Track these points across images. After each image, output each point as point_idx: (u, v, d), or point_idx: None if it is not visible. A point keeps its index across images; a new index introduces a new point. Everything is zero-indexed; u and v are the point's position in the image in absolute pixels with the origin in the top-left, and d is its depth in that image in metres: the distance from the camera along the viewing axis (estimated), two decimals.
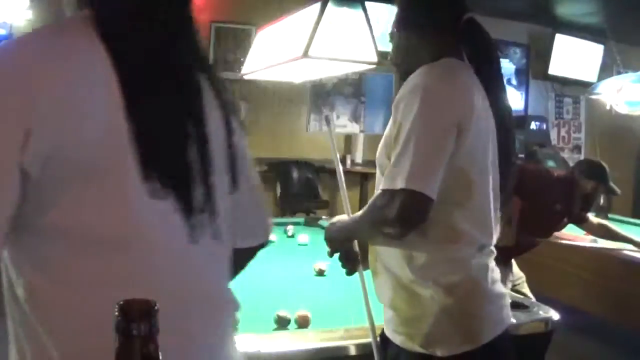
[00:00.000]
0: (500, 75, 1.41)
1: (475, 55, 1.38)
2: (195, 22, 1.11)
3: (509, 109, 1.41)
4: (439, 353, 1.25)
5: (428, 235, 1.26)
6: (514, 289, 2.93)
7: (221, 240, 0.86)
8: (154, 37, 0.84)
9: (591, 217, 3.17)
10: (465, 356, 1.25)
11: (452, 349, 1.25)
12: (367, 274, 1.48)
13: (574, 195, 2.98)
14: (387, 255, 1.35)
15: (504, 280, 2.83)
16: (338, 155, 1.64)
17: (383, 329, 1.41)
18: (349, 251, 1.47)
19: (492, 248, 1.35)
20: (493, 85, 1.36)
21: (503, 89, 1.41)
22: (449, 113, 1.22)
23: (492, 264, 1.34)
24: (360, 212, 1.34)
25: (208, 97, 0.88)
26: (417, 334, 1.28)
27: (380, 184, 1.29)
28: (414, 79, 1.29)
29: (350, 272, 1.51)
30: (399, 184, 1.18)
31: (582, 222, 3.15)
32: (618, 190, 3.03)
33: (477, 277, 1.28)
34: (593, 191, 2.95)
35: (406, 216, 1.19)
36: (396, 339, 1.34)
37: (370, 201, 1.29)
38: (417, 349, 1.28)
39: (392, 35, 1.45)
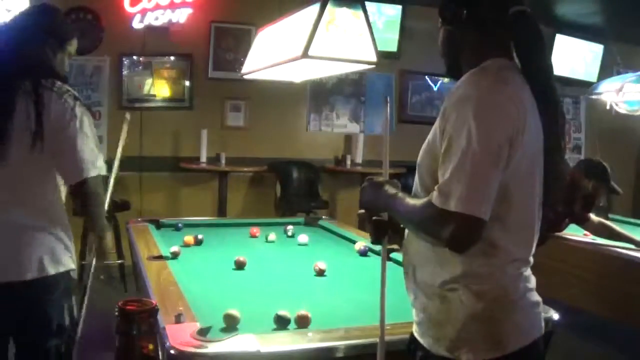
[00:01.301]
0: (550, 73, 1.32)
1: (524, 53, 1.32)
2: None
3: (561, 112, 1.34)
4: (463, 358, 1.24)
5: None
6: None
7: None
8: None
9: (592, 216, 3.17)
10: None
11: (477, 355, 1.24)
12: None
13: (575, 195, 2.97)
14: (419, 262, 1.34)
15: None
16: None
17: (412, 331, 1.40)
18: (380, 220, 1.42)
19: (530, 258, 1.33)
20: (543, 91, 1.29)
21: (554, 89, 1.32)
22: (504, 127, 1.17)
23: (527, 272, 1.32)
24: (407, 202, 1.28)
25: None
26: (443, 337, 1.28)
27: (419, 189, 1.31)
28: (463, 87, 1.24)
29: (375, 241, 1.47)
30: (453, 206, 1.14)
31: (583, 222, 3.15)
32: (620, 190, 3.03)
33: (507, 285, 1.26)
34: (594, 191, 2.95)
35: (460, 240, 1.17)
36: (424, 341, 1.33)
37: (419, 205, 1.23)
38: (443, 352, 1.27)
39: (439, 28, 1.41)
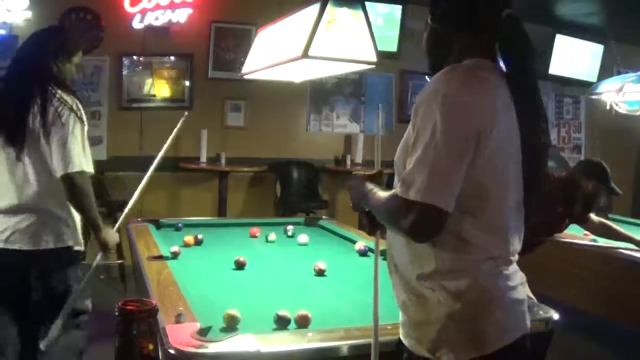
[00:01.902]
0: (533, 74, 1.33)
1: (509, 56, 1.33)
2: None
3: (543, 114, 1.34)
4: (444, 359, 1.24)
5: (437, 243, 1.24)
6: None
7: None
8: None
9: (592, 216, 3.17)
10: None
11: (457, 355, 1.23)
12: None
13: (575, 196, 2.97)
14: (398, 258, 1.35)
15: None
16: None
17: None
18: (370, 213, 1.45)
19: (511, 257, 1.32)
20: (524, 86, 1.30)
21: (536, 90, 1.32)
22: (470, 122, 1.19)
23: (510, 270, 1.30)
24: (379, 195, 1.31)
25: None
26: (424, 338, 1.28)
27: (396, 186, 1.29)
28: (433, 82, 1.26)
29: (369, 233, 1.51)
30: (413, 195, 1.16)
31: (584, 223, 3.15)
32: (619, 191, 3.03)
33: (486, 283, 1.25)
34: (594, 192, 2.95)
35: (419, 230, 1.19)
36: (407, 342, 1.34)
37: (386, 197, 1.27)
38: (425, 353, 1.27)
39: (426, 24, 1.41)
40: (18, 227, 2.14)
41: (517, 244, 1.33)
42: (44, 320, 2.12)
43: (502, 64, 1.34)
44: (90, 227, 2.26)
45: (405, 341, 1.35)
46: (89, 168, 2.20)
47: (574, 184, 2.97)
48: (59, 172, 2.11)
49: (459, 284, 1.23)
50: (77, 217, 2.25)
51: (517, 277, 1.33)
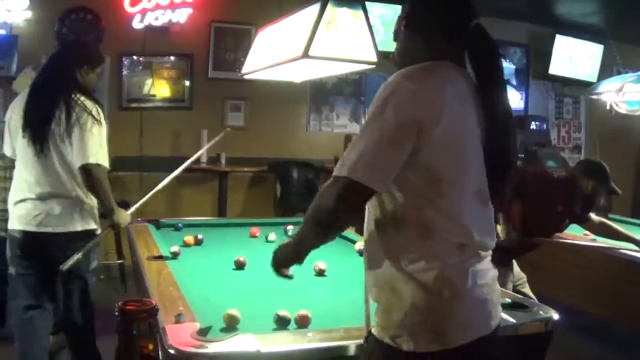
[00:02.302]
0: (500, 77, 1.39)
1: (476, 62, 1.38)
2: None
3: (507, 111, 1.39)
4: (404, 347, 1.25)
5: (401, 230, 1.28)
6: (515, 289, 2.92)
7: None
8: None
9: (592, 216, 3.17)
10: (428, 356, 1.24)
11: (417, 345, 1.24)
12: None
13: (575, 196, 2.98)
14: (372, 251, 1.36)
15: (503, 282, 2.83)
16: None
17: None
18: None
19: (481, 251, 1.32)
20: (490, 86, 1.35)
21: (501, 90, 1.38)
22: (409, 110, 1.23)
23: (480, 266, 1.31)
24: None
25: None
26: (388, 325, 1.29)
27: None
28: (389, 78, 1.31)
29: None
30: (344, 172, 1.23)
31: (584, 223, 3.15)
32: (619, 191, 3.03)
33: (452, 277, 1.26)
34: (593, 191, 2.95)
35: (343, 203, 1.24)
36: (374, 330, 1.35)
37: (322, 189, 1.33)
38: (387, 340, 1.29)
39: (396, 33, 1.45)
40: (50, 212, 2.49)
41: (485, 237, 1.33)
42: (69, 288, 2.56)
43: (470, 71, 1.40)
44: (105, 211, 2.58)
45: (373, 329, 1.36)
46: (105, 162, 2.50)
47: (573, 183, 2.98)
48: (77, 164, 2.44)
49: (427, 275, 1.25)
50: (94, 201, 2.60)
51: (487, 275, 1.33)
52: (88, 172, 2.44)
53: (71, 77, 2.57)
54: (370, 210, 1.36)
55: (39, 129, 2.48)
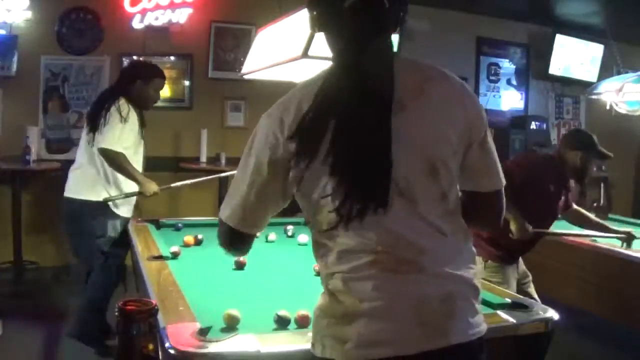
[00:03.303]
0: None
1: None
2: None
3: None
4: (316, 352, 1.25)
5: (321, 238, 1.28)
6: (520, 288, 2.91)
7: None
8: None
9: (574, 205, 3.16)
10: None
11: (323, 351, 1.23)
12: None
13: (564, 171, 2.95)
14: None
15: (506, 281, 2.82)
16: None
17: None
18: None
19: (368, 258, 1.19)
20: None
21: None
22: (254, 149, 1.30)
23: (361, 285, 1.18)
24: None
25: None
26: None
27: None
28: None
29: None
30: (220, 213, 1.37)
31: (583, 196, 3.11)
32: (609, 154, 3.00)
33: (333, 289, 1.23)
34: (583, 161, 2.91)
35: (221, 243, 1.43)
36: None
37: None
38: (311, 348, 1.29)
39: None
40: (88, 184, 3.26)
41: (404, 252, 1.19)
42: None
43: None
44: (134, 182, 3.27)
45: None
46: (117, 148, 3.15)
47: (560, 159, 2.96)
48: (96, 147, 3.17)
49: (335, 282, 1.23)
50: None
51: (410, 291, 1.18)
52: (102, 154, 3.16)
53: (122, 88, 3.33)
54: None
55: (91, 124, 3.23)
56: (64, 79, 5.27)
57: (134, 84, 3.34)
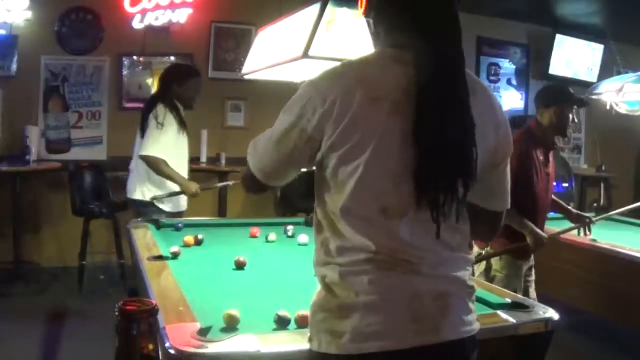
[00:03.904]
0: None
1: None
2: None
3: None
4: (313, 347, 1.25)
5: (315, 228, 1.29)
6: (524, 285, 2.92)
7: None
8: None
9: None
10: (330, 357, 1.21)
11: (319, 345, 1.23)
12: None
13: (545, 132, 2.94)
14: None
15: (515, 274, 2.82)
16: None
17: None
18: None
19: (366, 255, 1.18)
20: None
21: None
22: (295, 112, 1.26)
23: (371, 275, 1.18)
24: None
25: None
26: (310, 325, 1.30)
27: None
28: None
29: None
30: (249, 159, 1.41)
31: (568, 142, 3.06)
32: (582, 98, 2.98)
33: (330, 283, 1.22)
34: (557, 115, 2.89)
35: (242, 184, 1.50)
36: None
37: None
38: (309, 343, 1.29)
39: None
40: (137, 184, 3.56)
41: (381, 239, 1.19)
42: None
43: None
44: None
45: None
46: (155, 154, 3.39)
47: (537, 123, 2.95)
48: (139, 153, 3.46)
49: (332, 275, 1.22)
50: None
51: (407, 286, 1.18)
52: (144, 159, 3.42)
53: (160, 94, 3.59)
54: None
55: (140, 132, 3.51)
56: (64, 79, 5.27)
57: (171, 88, 3.53)
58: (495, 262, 2.85)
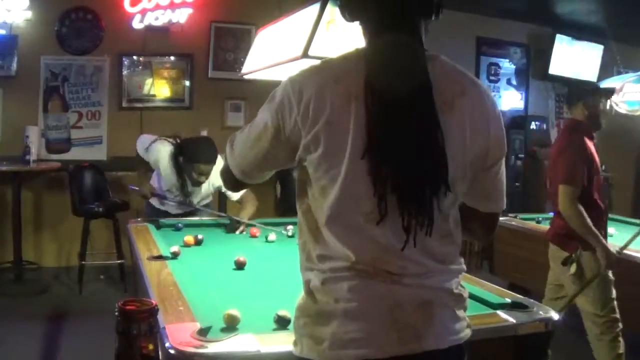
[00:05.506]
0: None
1: None
2: None
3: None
4: (296, 352, 1.24)
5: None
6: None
7: None
8: None
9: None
10: None
11: (301, 350, 1.22)
12: None
13: (584, 127, 2.98)
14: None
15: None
16: None
17: None
18: None
19: (346, 264, 1.16)
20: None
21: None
22: (271, 111, 1.29)
23: (349, 283, 1.15)
24: None
25: None
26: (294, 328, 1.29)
27: None
28: None
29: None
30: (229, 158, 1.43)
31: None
32: (608, 87, 3.02)
33: (313, 288, 1.20)
34: (588, 108, 2.96)
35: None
36: None
37: None
38: (292, 347, 1.28)
39: None
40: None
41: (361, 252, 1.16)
42: None
43: None
44: None
45: None
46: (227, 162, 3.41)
47: (573, 120, 3.00)
48: None
49: (315, 281, 1.20)
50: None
51: (388, 295, 1.15)
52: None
53: (176, 162, 3.55)
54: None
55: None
56: (64, 79, 5.27)
57: (181, 160, 3.48)
58: (588, 265, 2.87)
